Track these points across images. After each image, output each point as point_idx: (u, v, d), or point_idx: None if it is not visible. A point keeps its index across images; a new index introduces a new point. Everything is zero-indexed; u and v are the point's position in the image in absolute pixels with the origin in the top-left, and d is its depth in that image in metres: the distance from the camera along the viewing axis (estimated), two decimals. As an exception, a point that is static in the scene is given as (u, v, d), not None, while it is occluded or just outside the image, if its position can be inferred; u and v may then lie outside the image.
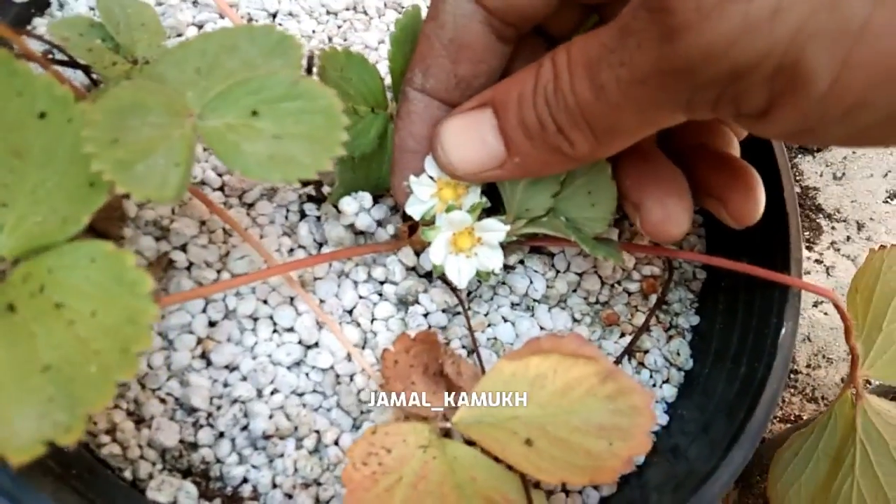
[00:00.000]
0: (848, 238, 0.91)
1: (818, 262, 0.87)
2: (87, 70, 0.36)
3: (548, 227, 0.38)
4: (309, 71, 0.35)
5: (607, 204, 0.37)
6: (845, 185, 0.95)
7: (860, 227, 0.92)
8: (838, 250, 0.90)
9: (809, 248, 0.88)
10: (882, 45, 0.23)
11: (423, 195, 0.36)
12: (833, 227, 0.91)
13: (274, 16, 0.46)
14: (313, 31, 0.46)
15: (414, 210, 0.37)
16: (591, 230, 0.38)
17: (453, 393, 0.35)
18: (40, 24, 0.42)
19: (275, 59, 0.33)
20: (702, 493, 0.34)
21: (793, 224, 0.41)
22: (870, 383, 0.60)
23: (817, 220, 0.91)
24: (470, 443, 0.33)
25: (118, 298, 0.26)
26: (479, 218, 0.36)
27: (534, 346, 0.33)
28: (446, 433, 0.34)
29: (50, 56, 0.38)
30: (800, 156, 0.95)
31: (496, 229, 0.36)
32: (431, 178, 0.36)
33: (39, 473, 0.30)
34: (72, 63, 0.36)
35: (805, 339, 0.77)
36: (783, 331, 0.38)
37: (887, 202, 0.94)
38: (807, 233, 0.90)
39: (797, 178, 0.93)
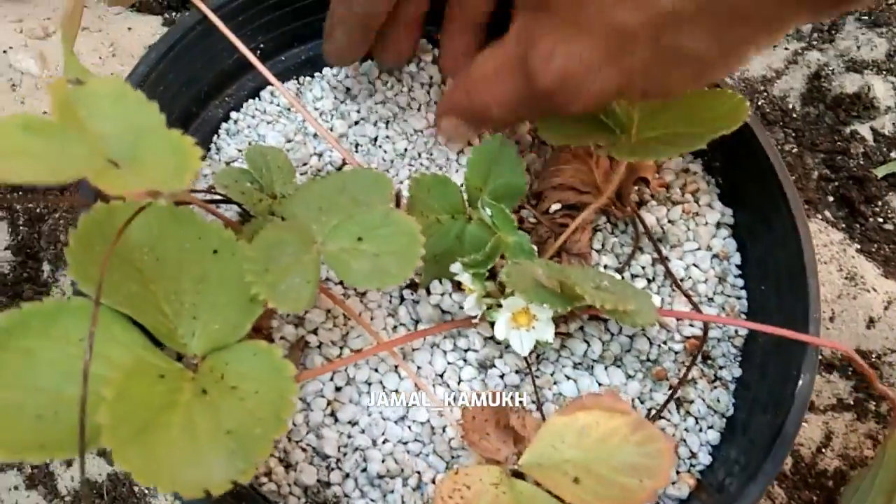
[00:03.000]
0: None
1: None
2: (240, 204, 0.49)
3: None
4: (397, 201, 0.47)
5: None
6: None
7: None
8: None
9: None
10: None
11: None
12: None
13: (374, 140, 0.58)
14: (405, 150, 0.57)
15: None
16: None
17: (521, 442, 0.44)
18: (204, 167, 0.56)
19: (373, 193, 0.45)
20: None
21: (812, 286, 0.48)
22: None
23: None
24: (534, 483, 0.42)
25: (272, 380, 0.38)
26: None
27: (579, 403, 0.42)
28: (515, 474, 0.43)
29: (215, 195, 0.51)
30: (891, 193, 0.96)
31: (545, 309, 0.45)
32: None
33: (221, 504, 0.42)
34: (229, 200, 0.49)
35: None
36: (801, 382, 0.44)
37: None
38: None
39: (889, 214, 0.94)
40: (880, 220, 0.93)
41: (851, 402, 0.79)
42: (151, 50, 0.50)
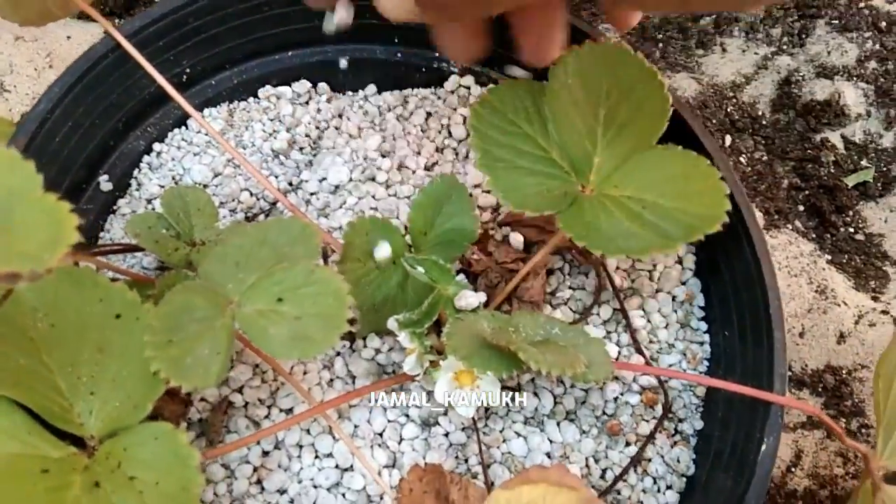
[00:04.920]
0: (919, 285, 0.89)
1: (885, 312, 0.86)
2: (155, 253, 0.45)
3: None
4: (324, 258, 0.42)
5: None
6: (913, 228, 0.92)
7: (932, 272, 0.89)
8: (908, 299, 0.88)
9: (875, 299, 0.87)
10: None
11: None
12: (902, 275, 0.89)
13: (313, 172, 0.54)
14: (347, 181, 0.53)
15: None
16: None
17: (462, 515, 0.40)
18: (123, 205, 0.51)
19: (298, 245, 0.40)
20: None
21: (778, 339, 0.44)
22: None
23: (884, 269, 0.90)
24: (475, 562, 0.39)
25: (175, 470, 0.33)
26: None
27: (524, 476, 0.39)
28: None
29: (128, 243, 0.47)
30: (862, 202, 0.94)
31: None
32: None
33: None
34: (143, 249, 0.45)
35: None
36: (763, 447, 0.41)
37: (960, 244, 0.91)
38: (872, 282, 0.88)
39: (860, 224, 0.92)
40: (851, 230, 0.90)
41: (821, 420, 0.76)
42: (55, 83, 0.46)
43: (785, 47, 1.00)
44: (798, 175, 0.93)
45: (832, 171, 0.93)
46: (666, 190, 0.41)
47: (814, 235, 0.89)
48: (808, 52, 1.00)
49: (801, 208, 0.91)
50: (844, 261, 0.88)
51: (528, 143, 0.45)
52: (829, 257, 0.87)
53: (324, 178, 0.53)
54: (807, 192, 0.92)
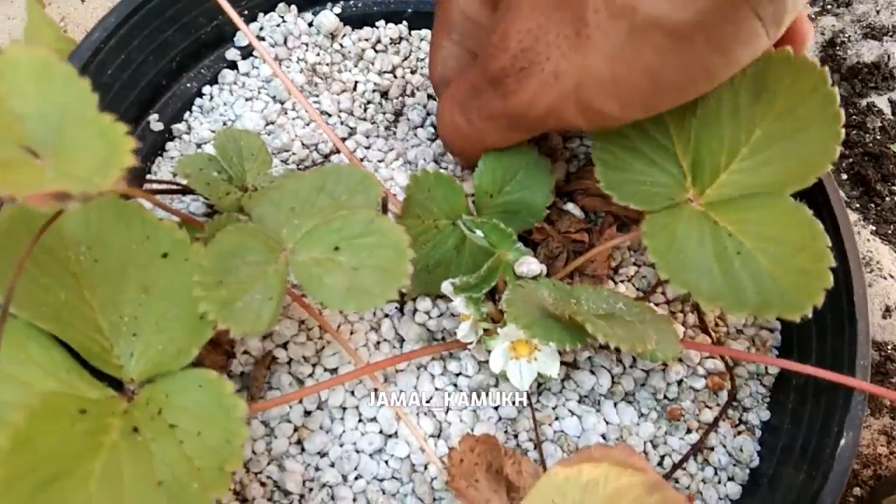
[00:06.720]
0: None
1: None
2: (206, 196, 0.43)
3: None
4: (384, 208, 0.40)
5: None
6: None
7: None
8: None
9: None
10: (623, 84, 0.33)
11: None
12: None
13: (373, 122, 0.51)
14: (408, 138, 0.51)
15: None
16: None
17: (515, 492, 0.38)
18: (172, 148, 0.49)
19: (357, 195, 0.38)
20: None
21: (861, 329, 0.41)
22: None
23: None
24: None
25: (218, 420, 0.31)
26: None
27: (585, 454, 0.36)
28: (507, 529, 0.37)
29: (176, 185, 0.45)
30: None
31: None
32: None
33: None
34: (193, 191, 0.43)
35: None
36: (842, 441, 0.38)
37: None
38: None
39: None
40: (897, 199, 0.84)
41: (865, 397, 0.71)
42: (111, 13, 0.43)
43: (830, 7, 0.94)
44: (842, 142, 0.87)
45: (878, 137, 0.86)
46: (770, 248, 0.36)
47: (858, 205, 0.83)
48: (854, 12, 0.93)
49: (845, 177, 0.85)
50: (890, 231, 0.82)
51: (658, 128, 0.40)
52: (874, 228, 0.82)
53: (375, 126, 0.51)
54: (851, 160, 0.86)
